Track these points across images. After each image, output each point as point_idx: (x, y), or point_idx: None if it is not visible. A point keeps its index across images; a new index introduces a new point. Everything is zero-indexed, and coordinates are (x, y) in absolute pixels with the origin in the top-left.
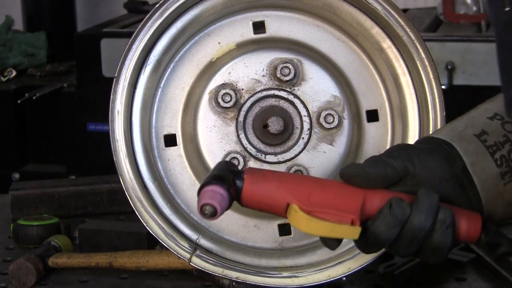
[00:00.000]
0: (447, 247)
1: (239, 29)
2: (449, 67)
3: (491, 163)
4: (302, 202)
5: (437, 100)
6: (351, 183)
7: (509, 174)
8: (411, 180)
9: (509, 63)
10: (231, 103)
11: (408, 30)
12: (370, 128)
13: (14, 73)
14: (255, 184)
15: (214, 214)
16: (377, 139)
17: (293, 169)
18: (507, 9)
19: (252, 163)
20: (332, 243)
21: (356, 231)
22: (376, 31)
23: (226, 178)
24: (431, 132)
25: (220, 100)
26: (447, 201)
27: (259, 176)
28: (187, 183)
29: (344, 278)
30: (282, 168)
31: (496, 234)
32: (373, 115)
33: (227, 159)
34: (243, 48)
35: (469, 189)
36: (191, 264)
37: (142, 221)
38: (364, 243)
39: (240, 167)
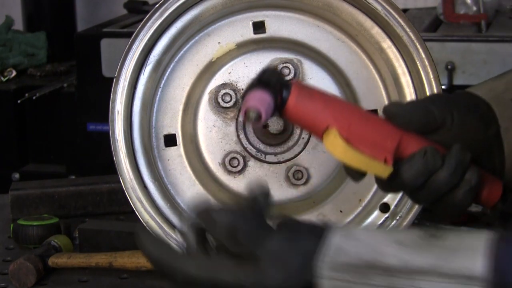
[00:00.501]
0: (465, 206)
1: (239, 29)
2: (449, 67)
3: None
4: (343, 128)
5: None
6: (391, 120)
7: None
8: (447, 133)
9: None
10: (231, 103)
11: (408, 30)
12: None
13: (14, 73)
14: (301, 100)
15: (258, 119)
16: None
17: (293, 169)
18: None
19: (252, 163)
20: (357, 175)
21: (387, 170)
22: (376, 31)
23: (274, 86)
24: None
25: (220, 100)
26: (474, 162)
27: (306, 92)
28: (187, 183)
29: None
30: (282, 168)
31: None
32: None
33: (227, 159)
34: (243, 48)
35: (496, 154)
36: None
37: (142, 221)
38: (387, 183)
39: (240, 168)
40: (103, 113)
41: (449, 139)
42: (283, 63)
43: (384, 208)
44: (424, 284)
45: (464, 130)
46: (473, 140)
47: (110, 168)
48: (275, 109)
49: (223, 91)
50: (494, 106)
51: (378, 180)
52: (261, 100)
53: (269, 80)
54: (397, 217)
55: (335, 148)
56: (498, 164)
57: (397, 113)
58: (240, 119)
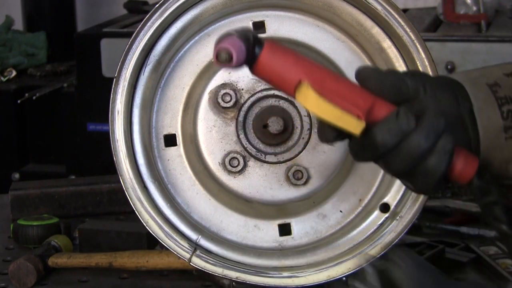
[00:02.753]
0: (439, 174)
1: None
2: (449, 67)
3: (497, 113)
4: (316, 83)
5: None
6: (364, 84)
7: None
8: (419, 105)
9: None
10: (231, 103)
11: (408, 30)
12: None
13: (14, 73)
14: (274, 54)
15: (229, 61)
16: None
17: (293, 169)
18: None
19: (252, 163)
20: (330, 133)
21: (359, 125)
22: (376, 31)
23: (248, 37)
24: None
25: (220, 100)
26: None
27: (279, 47)
28: (187, 183)
29: (344, 278)
30: (282, 168)
31: (488, 181)
32: None
33: (227, 159)
34: None
35: (471, 132)
36: (191, 264)
37: (142, 221)
38: (360, 146)
39: (240, 168)
40: (103, 113)
41: (421, 111)
42: None
43: (384, 208)
44: None
45: (437, 103)
46: (445, 113)
47: (110, 168)
48: (247, 58)
49: (223, 91)
50: (468, 87)
51: (352, 146)
52: (233, 44)
53: (244, 32)
54: (397, 217)
55: (308, 100)
56: (474, 142)
57: (369, 76)
58: (240, 119)
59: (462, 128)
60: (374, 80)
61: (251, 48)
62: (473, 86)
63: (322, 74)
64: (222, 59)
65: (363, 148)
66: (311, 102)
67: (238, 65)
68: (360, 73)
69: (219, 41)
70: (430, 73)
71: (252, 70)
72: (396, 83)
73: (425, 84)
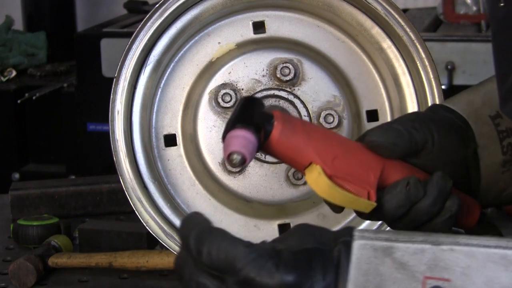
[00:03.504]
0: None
1: (239, 29)
2: (449, 67)
3: (498, 149)
4: (327, 164)
5: (437, 100)
6: (375, 151)
7: (510, 163)
8: (427, 156)
9: (504, 58)
10: (231, 103)
11: (408, 30)
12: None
13: (14, 73)
14: (284, 136)
15: (242, 163)
16: None
17: (293, 169)
18: (502, 4)
19: (252, 163)
20: (339, 209)
21: (369, 206)
22: (376, 31)
23: (255, 121)
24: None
25: (220, 100)
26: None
27: (289, 126)
28: (187, 183)
29: None
30: (282, 168)
31: (487, 225)
32: (373, 115)
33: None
34: (243, 48)
35: (472, 172)
36: None
37: (142, 221)
38: (368, 215)
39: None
40: (103, 113)
41: (429, 162)
42: (283, 63)
43: None
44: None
45: (444, 152)
46: (451, 161)
47: (110, 168)
48: (259, 146)
49: (223, 91)
50: (472, 123)
51: (358, 212)
52: (244, 141)
53: (251, 115)
54: None
55: (319, 186)
56: (474, 182)
57: (381, 144)
58: (228, 164)
59: (465, 171)
60: (385, 149)
61: (261, 136)
62: (477, 122)
63: (333, 151)
64: (237, 164)
65: (370, 215)
66: (323, 190)
67: (252, 159)
68: (371, 143)
69: (228, 138)
70: (431, 75)
71: (262, 150)
72: (406, 146)
73: (433, 133)
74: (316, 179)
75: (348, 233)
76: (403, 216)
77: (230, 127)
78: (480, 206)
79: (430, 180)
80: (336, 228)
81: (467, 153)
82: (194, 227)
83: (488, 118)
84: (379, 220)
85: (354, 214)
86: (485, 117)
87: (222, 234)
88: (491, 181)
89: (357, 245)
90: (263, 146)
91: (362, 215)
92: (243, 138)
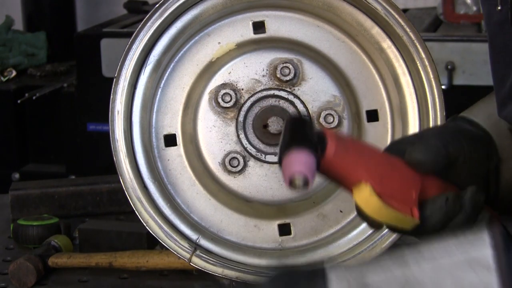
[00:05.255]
0: None
1: (239, 29)
2: (449, 67)
3: None
4: (376, 183)
5: (437, 100)
6: (415, 168)
7: None
8: (457, 169)
9: (501, 61)
10: (231, 103)
11: (408, 30)
12: (370, 128)
13: (14, 73)
14: (337, 155)
15: (306, 184)
16: (377, 139)
17: None
18: (499, 8)
19: (252, 163)
20: (381, 226)
21: (413, 223)
22: (376, 31)
23: (312, 141)
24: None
25: (220, 100)
26: None
27: (342, 145)
28: (187, 183)
29: None
30: None
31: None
32: (373, 115)
33: (227, 159)
34: (243, 48)
35: (493, 185)
36: (191, 264)
37: (142, 221)
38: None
39: (240, 168)
40: (103, 113)
41: (458, 176)
42: (283, 63)
43: None
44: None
45: (472, 165)
46: (477, 174)
47: (110, 168)
48: (317, 167)
49: (223, 91)
50: (495, 137)
51: (397, 228)
52: (305, 163)
53: (305, 135)
54: None
55: (369, 206)
56: (493, 194)
57: (421, 162)
58: (240, 119)
59: (485, 184)
60: (425, 167)
61: (319, 156)
62: (499, 135)
63: (380, 169)
64: (299, 186)
65: (411, 231)
66: (373, 210)
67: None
68: (413, 160)
69: (287, 160)
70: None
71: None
72: (442, 162)
73: (464, 148)
74: (367, 199)
75: (320, 272)
76: (440, 230)
77: (286, 148)
78: (498, 215)
79: (465, 194)
80: (337, 227)
81: (490, 166)
82: None
83: (508, 132)
84: (416, 235)
85: (354, 214)
86: (504, 131)
87: None
88: (507, 193)
89: (334, 276)
90: (317, 166)
91: (401, 231)
92: (303, 159)
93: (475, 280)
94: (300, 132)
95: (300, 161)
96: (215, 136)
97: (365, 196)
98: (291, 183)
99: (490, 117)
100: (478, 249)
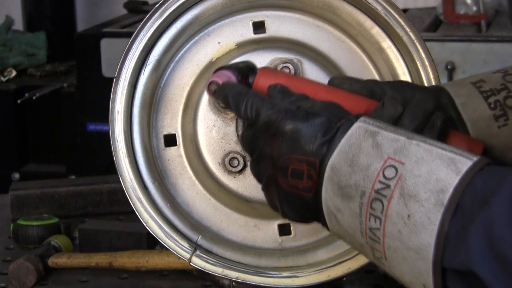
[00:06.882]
0: None
1: (239, 29)
2: (449, 67)
3: (484, 105)
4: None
5: None
6: (341, 87)
7: (504, 117)
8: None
9: None
10: None
11: (408, 30)
12: None
13: (14, 73)
14: (266, 79)
15: None
16: None
17: None
18: None
19: None
20: None
21: None
22: (376, 31)
23: (240, 69)
24: None
25: None
26: None
27: (270, 72)
28: (187, 183)
29: (344, 278)
30: None
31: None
32: None
33: (227, 159)
34: (243, 48)
35: (458, 125)
36: (191, 264)
37: (142, 221)
38: None
39: (240, 168)
40: (103, 113)
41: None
42: (283, 63)
43: None
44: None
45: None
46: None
47: (110, 168)
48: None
49: None
50: (449, 88)
51: None
52: (224, 77)
53: (237, 64)
54: None
55: None
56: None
57: (356, 87)
58: (207, 92)
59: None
60: (359, 90)
61: (243, 77)
62: (454, 86)
63: (315, 90)
64: (212, 91)
65: None
66: None
67: None
68: (333, 81)
69: (212, 74)
70: (431, 74)
71: None
72: (373, 88)
73: (404, 89)
74: None
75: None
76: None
77: (217, 68)
78: (483, 143)
79: (411, 102)
80: None
81: (445, 107)
82: (232, 89)
83: (469, 83)
84: None
85: None
86: (464, 83)
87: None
88: (487, 136)
89: (356, 125)
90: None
91: None
92: (224, 74)
93: (443, 172)
94: (234, 63)
95: (220, 74)
96: (215, 136)
97: None
98: (208, 88)
99: (450, 81)
100: (464, 157)
